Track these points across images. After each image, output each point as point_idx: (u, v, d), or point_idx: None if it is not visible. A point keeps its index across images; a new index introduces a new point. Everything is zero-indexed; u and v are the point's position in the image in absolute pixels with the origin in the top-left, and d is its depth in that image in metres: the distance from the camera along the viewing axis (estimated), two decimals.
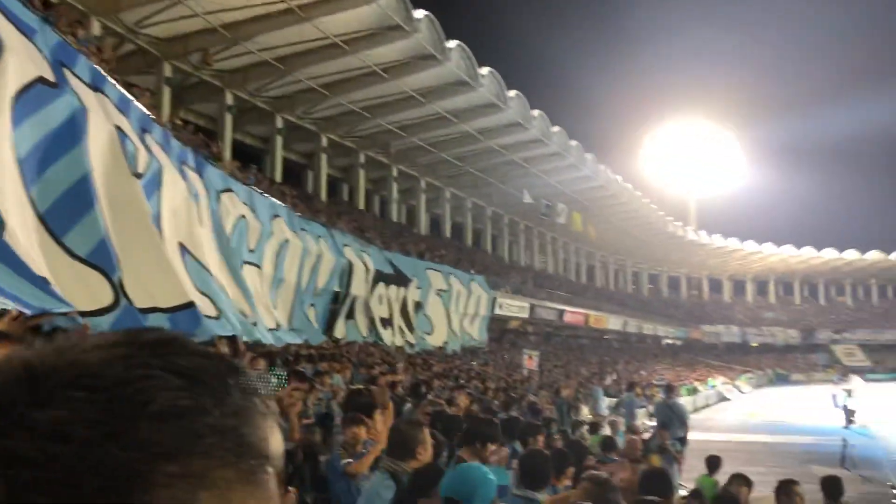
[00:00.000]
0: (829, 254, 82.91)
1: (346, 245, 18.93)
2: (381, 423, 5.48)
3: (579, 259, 65.48)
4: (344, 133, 35.04)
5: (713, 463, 8.13)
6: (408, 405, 8.57)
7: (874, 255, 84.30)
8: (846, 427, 25.94)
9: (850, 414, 27.44)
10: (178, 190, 9.47)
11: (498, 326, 37.28)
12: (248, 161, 26.74)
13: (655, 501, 2.89)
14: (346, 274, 18.35)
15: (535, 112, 37.12)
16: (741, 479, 5.73)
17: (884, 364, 75.56)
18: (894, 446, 20.93)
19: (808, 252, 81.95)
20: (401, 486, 3.56)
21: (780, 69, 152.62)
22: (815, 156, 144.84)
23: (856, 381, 46.35)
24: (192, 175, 10.69)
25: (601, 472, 3.20)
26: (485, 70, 31.95)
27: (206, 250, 9.87)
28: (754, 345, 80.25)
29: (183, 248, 8.90)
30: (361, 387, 8.63)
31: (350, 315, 18.97)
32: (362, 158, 37.32)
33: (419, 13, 26.53)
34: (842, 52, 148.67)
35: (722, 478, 7.25)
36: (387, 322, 20.87)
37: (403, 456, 3.82)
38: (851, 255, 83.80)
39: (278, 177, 30.67)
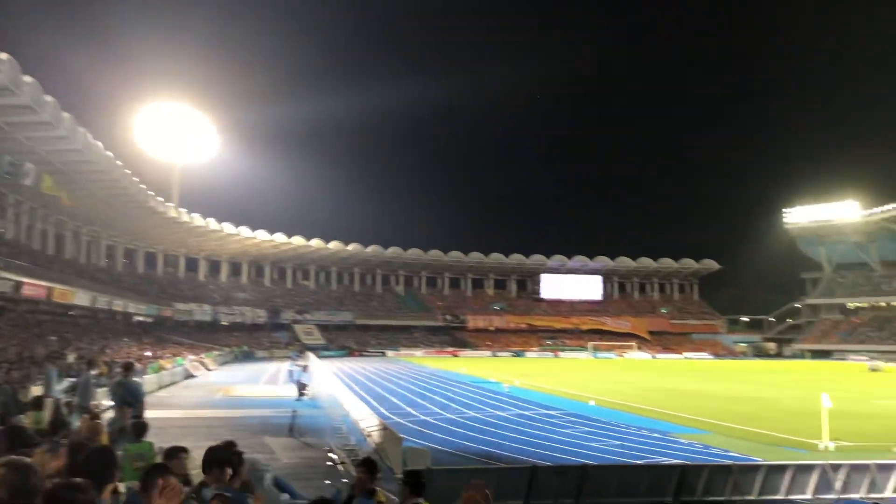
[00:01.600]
0: (298, 241, 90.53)
1: None
2: None
3: (46, 226, 59.51)
4: None
5: (139, 429, 8.30)
6: None
7: (335, 245, 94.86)
8: (298, 399, 28.56)
9: (302, 387, 30.20)
10: None
11: None
12: None
13: (80, 483, 2.84)
14: None
15: (3, 55, 32.58)
16: (178, 450, 5.94)
17: (336, 342, 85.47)
18: (336, 415, 23.81)
19: (279, 238, 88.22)
20: None
21: (256, 58, 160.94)
22: (290, 146, 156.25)
23: (311, 358, 51.29)
24: None
25: (22, 458, 2.98)
26: None
27: None
28: (225, 323, 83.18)
29: None
30: None
31: None
32: None
33: None
34: (313, 45, 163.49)
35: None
36: None
37: None
38: (317, 243, 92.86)
39: None
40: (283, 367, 50.07)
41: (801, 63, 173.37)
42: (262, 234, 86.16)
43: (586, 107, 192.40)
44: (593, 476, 12.42)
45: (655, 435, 20.28)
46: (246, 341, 78.37)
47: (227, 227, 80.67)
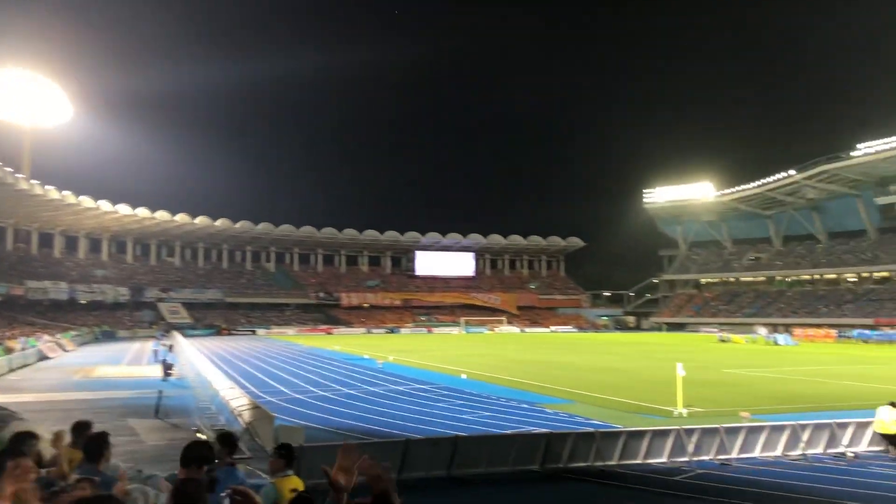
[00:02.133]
0: (162, 216, 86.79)
1: None
2: None
3: None
4: None
5: None
6: None
7: (202, 220, 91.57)
8: (164, 379, 27.58)
9: (168, 367, 29.18)
10: None
11: None
12: None
13: None
14: None
15: None
16: (28, 437, 5.60)
17: (203, 321, 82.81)
18: (204, 395, 23.17)
19: (142, 212, 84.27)
20: None
21: (116, 25, 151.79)
22: (156, 118, 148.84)
23: (177, 337, 49.56)
24: None
25: None
26: None
27: None
28: (83, 302, 78.79)
29: None
30: None
31: None
32: None
33: None
34: (176, 14, 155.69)
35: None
36: None
37: None
38: (182, 218, 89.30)
39: None
40: (148, 346, 48.18)
41: (663, 52, 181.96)
42: (123, 209, 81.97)
43: (459, 87, 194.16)
44: (464, 447, 12.74)
45: (524, 406, 21.00)
46: (107, 320, 74.63)
47: (86, 201, 76.20)
